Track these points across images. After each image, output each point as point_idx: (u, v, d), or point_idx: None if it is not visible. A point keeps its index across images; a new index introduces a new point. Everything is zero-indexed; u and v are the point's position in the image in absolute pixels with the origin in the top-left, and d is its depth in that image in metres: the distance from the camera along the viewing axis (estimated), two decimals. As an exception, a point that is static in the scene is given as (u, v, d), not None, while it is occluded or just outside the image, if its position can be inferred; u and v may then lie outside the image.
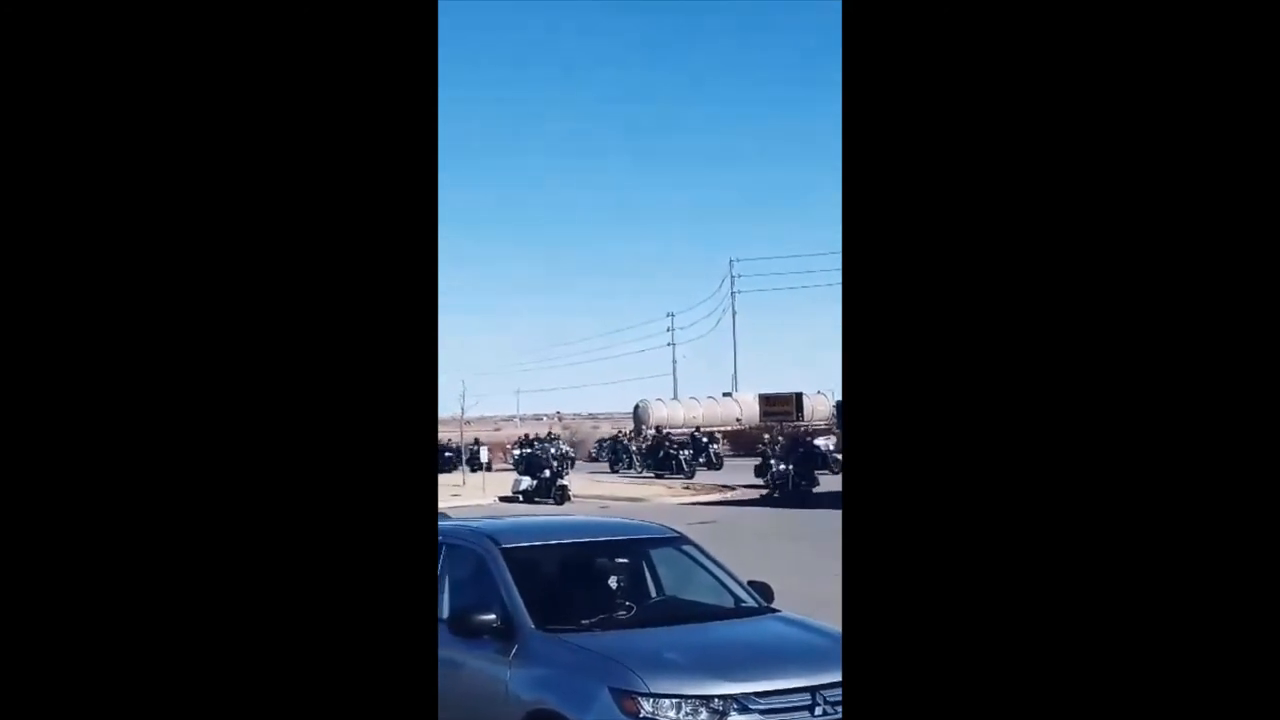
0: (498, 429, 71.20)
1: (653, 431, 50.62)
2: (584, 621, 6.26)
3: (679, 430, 51.30)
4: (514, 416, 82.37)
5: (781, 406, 53.38)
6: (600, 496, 29.45)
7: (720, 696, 5.53)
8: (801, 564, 14.66)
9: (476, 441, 43.22)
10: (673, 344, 74.82)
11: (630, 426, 56.06)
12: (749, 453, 37.43)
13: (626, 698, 5.49)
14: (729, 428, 53.70)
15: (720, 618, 6.73)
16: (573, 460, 40.72)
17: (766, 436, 36.14)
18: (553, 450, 32.97)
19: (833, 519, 22.40)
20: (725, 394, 59.44)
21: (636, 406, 56.33)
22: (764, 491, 28.67)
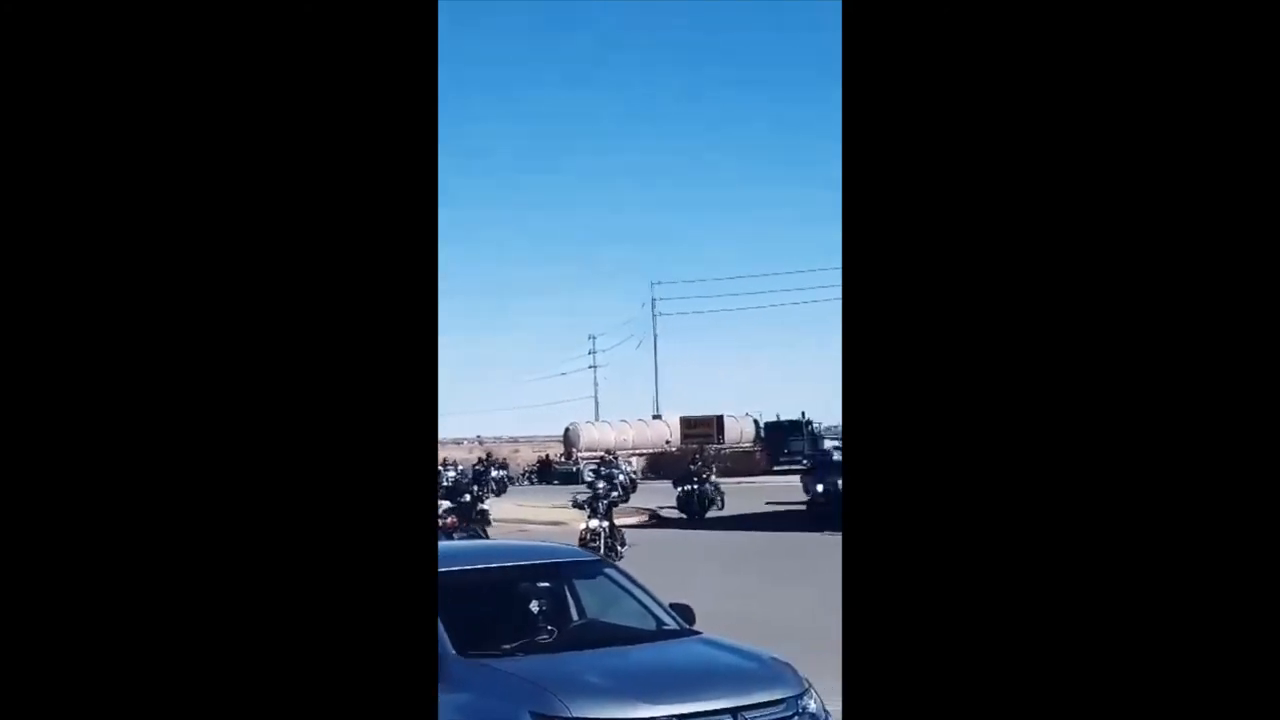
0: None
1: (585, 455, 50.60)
2: (505, 646, 6.23)
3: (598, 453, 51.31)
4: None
5: (703, 429, 53.58)
6: (521, 520, 29.29)
7: (642, 719, 5.53)
8: (726, 583, 14.82)
9: None
10: (594, 367, 74.85)
11: (560, 450, 55.87)
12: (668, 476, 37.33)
13: (548, 722, 5.47)
14: (658, 449, 53.77)
15: (642, 640, 6.72)
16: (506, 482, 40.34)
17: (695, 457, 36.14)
18: (614, 474, 31.64)
19: (733, 539, 22.35)
20: (655, 416, 59.54)
21: (567, 429, 56.17)
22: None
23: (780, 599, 14.27)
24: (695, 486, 29.12)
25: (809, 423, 51.29)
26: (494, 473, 39.71)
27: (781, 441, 49.40)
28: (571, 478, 49.17)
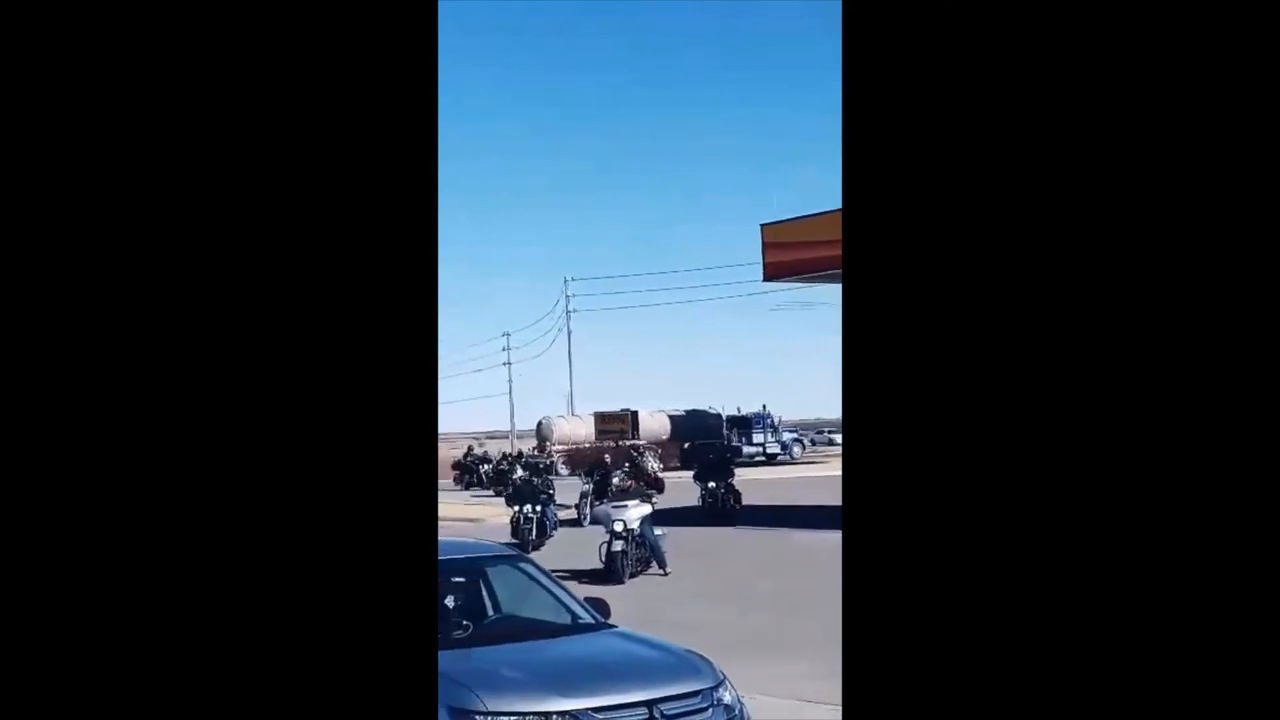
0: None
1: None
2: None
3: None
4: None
5: (616, 425, 53.59)
6: (440, 517, 29.02)
7: (558, 713, 5.57)
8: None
9: None
10: (509, 364, 74.43)
11: (533, 443, 55.32)
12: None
13: (465, 716, 5.48)
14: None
15: (558, 634, 6.76)
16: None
17: (607, 456, 36.12)
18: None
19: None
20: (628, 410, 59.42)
21: (540, 423, 55.82)
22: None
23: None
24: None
25: (768, 416, 52.18)
26: None
27: (744, 433, 50.56)
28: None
